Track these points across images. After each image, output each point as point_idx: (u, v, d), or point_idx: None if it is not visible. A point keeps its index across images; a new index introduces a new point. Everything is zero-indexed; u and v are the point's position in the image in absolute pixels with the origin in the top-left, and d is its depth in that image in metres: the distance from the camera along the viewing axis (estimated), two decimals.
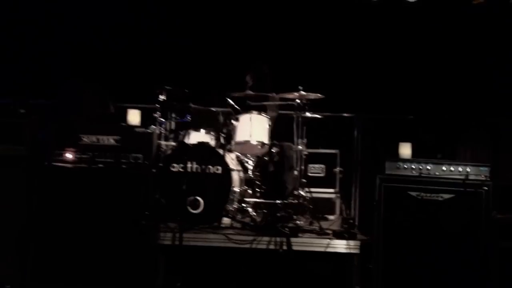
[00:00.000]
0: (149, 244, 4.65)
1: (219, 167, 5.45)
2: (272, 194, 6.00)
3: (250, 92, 6.01)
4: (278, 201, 5.75)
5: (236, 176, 5.64)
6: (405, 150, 4.72)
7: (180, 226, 4.98)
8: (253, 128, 5.75)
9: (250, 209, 5.68)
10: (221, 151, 5.59)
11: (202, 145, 5.62)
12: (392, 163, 4.61)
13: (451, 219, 4.40)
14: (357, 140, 7.08)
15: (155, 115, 5.73)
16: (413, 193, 4.47)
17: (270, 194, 6.07)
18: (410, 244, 4.48)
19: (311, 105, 6.04)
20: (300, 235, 5.04)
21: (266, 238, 4.90)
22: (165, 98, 5.89)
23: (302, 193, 5.83)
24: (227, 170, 5.43)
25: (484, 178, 4.40)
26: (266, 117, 5.87)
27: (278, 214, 5.18)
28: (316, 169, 6.60)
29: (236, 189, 5.56)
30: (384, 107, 7.11)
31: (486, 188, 4.35)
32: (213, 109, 5.96)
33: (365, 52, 7.26)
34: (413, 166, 4.55)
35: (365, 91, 7.15)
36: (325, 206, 6.49)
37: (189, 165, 5.47)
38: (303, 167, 5.99)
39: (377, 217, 4.55)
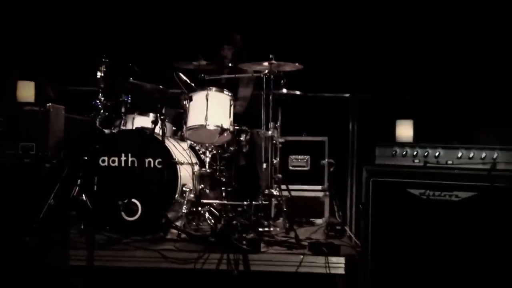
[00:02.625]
0: (50, 266, 3.36)
1: (161, 160, 4.15)
2: (239, 194, 4.72)
3: (203, 63, 4.66)
4: (245, 203, 4.44)
5: (187, 172, 4.33)
6: (405, 130, 3.34)
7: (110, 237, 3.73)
8: (210, 109, 4.42)
9: (207, 214, 4.38)
10: (166, 140, 4.28)
11: (139, 132, 4.32)
12: (385, 149, 3.23)
13: (471, 228, 3.02)
14: (352, 124, 5.69)
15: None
16: (415, 191, 3.09)
17: (236, 193, 4.79)
18: (411, 262, 3.12)
19: (290, 81, 4.72)
20: (264, 249, 3.71)
21: (216, 255, 3.59)
22: (103, 75, 4.58)
23: (275, 192, 4.50)
24: (172, 163, 4.12)
25: None
26: (228, 95, 4.54)
27: (234, 222, 3.84)
28: (299, 162, 5.26)
29: (188, 188, 4.25)
30: (385, 84, 5.69)
31: None
32: (160, 86, 4.61)
33: (357, 10, 5.80)
34: (416, 153, 3.17)
35: (361, 64, 5.72)
36: (311, 207, 5.17)
37: (123, 158, 4.19)
38: (277, 159, 4.67)
39: (364, 226, 3.20)
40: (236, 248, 3.60)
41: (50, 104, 3.80)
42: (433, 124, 4.65)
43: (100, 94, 4.39)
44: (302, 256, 3.59)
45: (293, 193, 5.00)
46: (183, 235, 3.99)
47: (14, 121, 3.40)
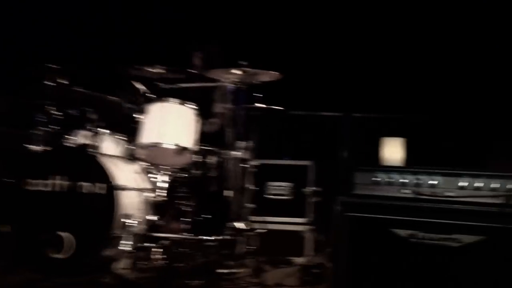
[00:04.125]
0: None
1: (101, 185, 3.41)
2: (208, 227, 3.96)
3: (161, 70, 3.92)
4: (205, 238, 3.68)
5: (132, 199, 3.58)
6: (393, 151, 2.57)
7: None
8: (167, 124, 3.69)
9: (157, 251, 3.60)
10: (106, 159, 3.55)
11: (77, 150, 3.60)
12: (366, 175, 2.47)
13: (475, 284, 2.23)
14: (343, 147, 4.90)
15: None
16: (403, 232, 2.32)
17: (203, 226, 4.03)
18: None
19: (268, 95, 4.00)
20: None
21: None
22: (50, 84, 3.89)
23: (241, 226, 3.74)
24: (109, 188, 3.38)
25: None
26: (192, 108, 3.82)
27: (177, 263, 3.07)
28: (278, 189, 4.48)
29: (134, 220, 3.49)
30: (379, 103, 4.91)
31: None
32: (111, 97, 3.91)
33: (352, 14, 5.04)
34: (405, 180, 2.41)
35: (351, 79, 4.96)
36: (290, 243, 4.37)
37: (57, 181, 3.46)
38: (247, 186, 3.92)
39: (336, 274, 2.42)
40: None
41: None
42: (432, 147, 3.86)
43: (48, 105, 3.72)
44: None
45: (271, 226, 4.26)
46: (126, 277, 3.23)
47: None
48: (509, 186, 2.26)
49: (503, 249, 2.18)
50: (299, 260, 4.25)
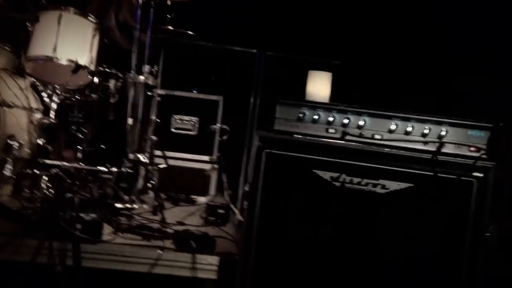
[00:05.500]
0: None
1: None
2: (103, 157, 3.59)
3: None
4: (102, 169, 3.31)
5: (17, 119, 3.11)
6: (321, 85, 2.34)
7: None
8: (63, 37, 3.20)
9: (44, 179, 3.19)
10: None
11: None
12: (289, 109, 2.22)
13: (398, 232, 2.09)
14: (256, 84, 4.61)
15: None
16: (326, 174, 2.11)
17: (98, 156, 3.65)
18: (308, 269, 2.15)
19: (180, 18, 3.60)
20: (108, 237, 2.61)
21: (33, 242, 2.44)
22: None
23: (143, 158, 3.40)
24: None
25: (477, 154, 2.08)
26: (92, 21, 3.34)
27: (70, 194, 2.69)
28: (184, 124, 4.16)
29: (17, 141, 3.03)
30: (297, 41, 4.64)
31: (480, 175, 2.04)
32: None
33: None
34: (331, 118, 2.19)
35: (271, 13, 4.63)
36: (194, 181, 4.12)
37: None
38: (153, 117, 3.57)
39: (249, 215, 2.19)
40: (65, 233, 2.47)
41: None
42: (353, 85, 3.68)
43: None
44: (160, 252, 2.53)
45: (174, 162, 3.97)
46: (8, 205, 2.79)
47: None
48: (440, 131, 2.11)
49: (430, 198, 2.05)
50: (203, 198, 4.01)
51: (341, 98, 2.36)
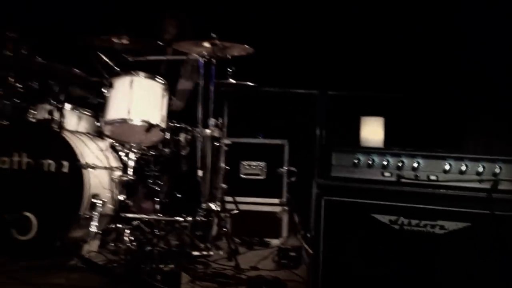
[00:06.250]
0: None
1: (65, 162, 3.21)
2: (179, 208, 3.81)
3: (125, 40, 3.69)
4: (178, 219, 3.53)
5: (100, 178, 3.40)
6: (373, 131, 2.43)
7: None
8: (136, 99, 3.50)
9: (127, 233, 3.44)
10: (72, 136, 3.35)
11: (39, 126, 3.39)
12: (344, 156, 2.33)
13: (459, 272, 2.12)
14: (320, 126, 4.74)
15: None
16: (384, 218, 2.19)
17: (175, 207, 3.88)
18: None
19: (240, 70, 3.81)
20: (186, 286, 2.79)
21: None
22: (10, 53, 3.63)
23: (214, 206, 3.59)
24: (76, 167, 3.19)
25: None
26: (161, 82, 3.63)
27: (150, 247, 2.91)
28: (253, 169, 4.34)
29: (101, 199, 3.31)
30: (355, 81, 4.73)
31: None
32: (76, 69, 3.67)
33: None
34: (387, 163, 2.28)
35: (327, 55, 4.77)
36: (266, 224, 4.26)
37: (15, 158, 3.25)
38: (222, 165, 3.78)
39: (314, 261, 2.29)
40: (147, 285, 2.67)
41: None
42: (410, 127, 3.72)
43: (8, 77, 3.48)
44: None
45: (245, 207, 4.15)
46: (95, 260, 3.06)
47: None
48: (495, 169, 2.15)
49: (488, 237, 2.07)
50: (275, 242, 4.14)
51: (394, 140, 2.45)
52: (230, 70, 3.78)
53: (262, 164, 4.32)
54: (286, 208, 4.32)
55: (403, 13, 4.71)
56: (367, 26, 4.72)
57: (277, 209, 4.30)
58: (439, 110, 4.49)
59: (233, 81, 3.80)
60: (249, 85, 3.87)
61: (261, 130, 4.50)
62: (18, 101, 3.57)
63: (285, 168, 4.30)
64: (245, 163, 4.33)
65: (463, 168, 2.18)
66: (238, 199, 4.04)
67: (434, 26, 4.62)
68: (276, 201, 4.31)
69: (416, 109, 4.46)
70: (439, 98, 4.48)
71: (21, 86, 3.58)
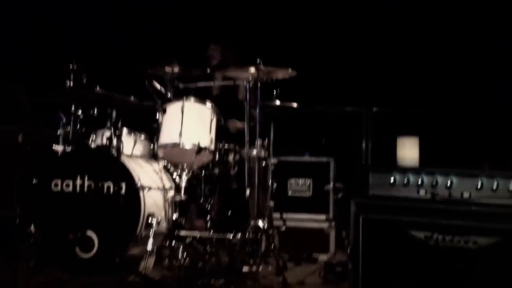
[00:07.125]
0: None
1: (123, 184, 3.46)
2: (229, 225, 3.98)
3: (176, 69, 3.94)
4: (228, 236, 3.71)
5: (155, 199, 3.63)
6: (409, 150, 2.54)
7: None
8: (186, 124, 3.73)
9: (180, 250, 3.65)
10: (129, 159, 3.60)
11: (99, 151, 3.67)
12: (381, 176, 2.46)
13: (492, 286, 2.20)
14: (366, 143, 4.86)
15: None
16: (420, 234, 2.30)
17: (225, 224, 4.05)
18: None
19: (283, 92, 3.97)
20: None
21: None
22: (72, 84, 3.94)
23: (261, 224, 3.74)
24: (134, 188, 3.43)
25: None
26: (209, 107, 3.85)
27: (201, 263, 3.10)
28: (299, 187, 4.48)
29: (156, 218, 3.54)
30: (401, 98, 4.82)
31: None
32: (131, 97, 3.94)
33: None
34: (421, 181, 2.39)
35: (365, 73, 4.88)
36: (314, 240, 4.37)
37: (78, 181, 3.52)
38: (269, 184, 3.94)
39: (354, 276, 2.42)
40: None
41: None
42: (445, 144, 3.78)
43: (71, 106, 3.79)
44: None
45: (293, 224, 4.29)
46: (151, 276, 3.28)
47: None
48: None
49: None
50: (322, 257, 4.26)
51: (429, 159, 2.55)
52: (276, 92, 3.94)
53: (308, 181, 4.46)
54: (333, 224, 4.44)
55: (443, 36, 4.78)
56: (405, 46, 4.80)
57: (324, 225, 4.42)
58: (472, 126, 4.51)
59: (278, 103, 3.96)
60: (292, 106, 4.02)
61: (307, 147, 4.64)
62: (80, 128, 3.87)
63: (331, 184, 4.42)
64: (292, 181, 4.48)
65: (495, 185, 2.26)
66: (286, 215, 4.19)
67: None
68: (322, 217, 4.43)
69: (450, 127, 4.49)
70: (472, 115, 4.50)
71: (82, 113, 3.89)
